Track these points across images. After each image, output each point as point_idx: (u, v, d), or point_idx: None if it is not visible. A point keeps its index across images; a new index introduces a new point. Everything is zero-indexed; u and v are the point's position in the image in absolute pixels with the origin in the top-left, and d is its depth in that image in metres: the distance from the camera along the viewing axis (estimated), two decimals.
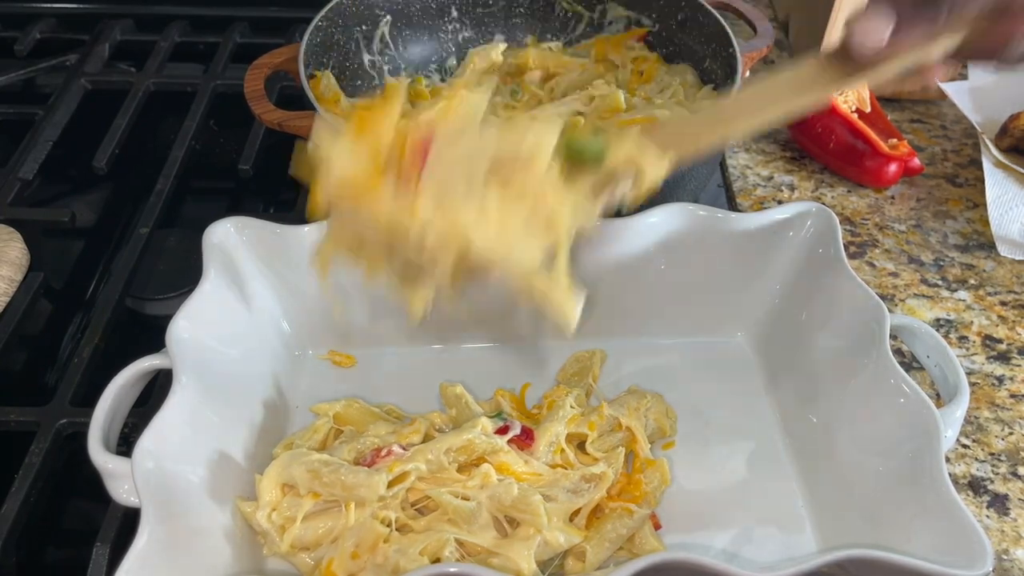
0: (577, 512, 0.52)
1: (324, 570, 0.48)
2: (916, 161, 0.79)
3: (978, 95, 0.84)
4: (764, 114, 0.50)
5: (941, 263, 0.74)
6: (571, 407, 0.56)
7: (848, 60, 0.48)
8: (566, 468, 0.53)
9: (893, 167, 0.78)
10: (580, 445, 0.56)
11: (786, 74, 0.51)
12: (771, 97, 0.50)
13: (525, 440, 0.54)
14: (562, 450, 0.54)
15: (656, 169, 0.47)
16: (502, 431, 0.54)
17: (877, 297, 0.55)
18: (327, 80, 0.75)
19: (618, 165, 0.47)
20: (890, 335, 0.54)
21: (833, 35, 0.86)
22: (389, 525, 0.49)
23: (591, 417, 0.56)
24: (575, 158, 0.46)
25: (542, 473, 0.52)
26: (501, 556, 0.48)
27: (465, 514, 0.49)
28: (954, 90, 0.84)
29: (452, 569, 0.43)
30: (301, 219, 0.55)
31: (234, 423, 0.54)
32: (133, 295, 0.69)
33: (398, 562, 0.47)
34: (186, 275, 0.67)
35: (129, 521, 0.51)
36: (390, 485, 0.50)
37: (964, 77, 0.86)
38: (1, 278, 0.65)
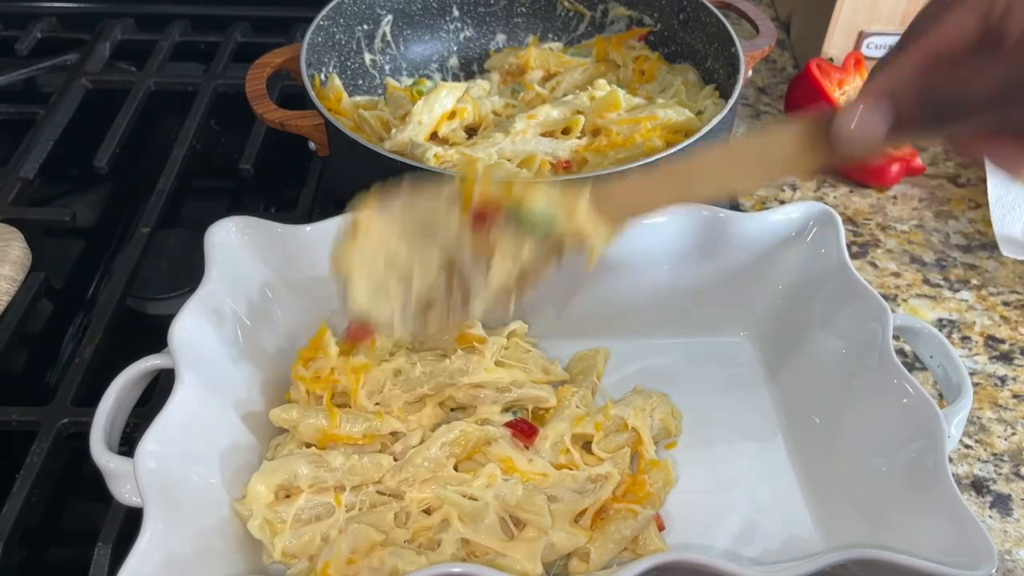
0: (582, 513, 0.52)
1: (319, 573, 0.47)
2: (918, 161, 0.79)
3: None
4: (728, 182, 0.47)
5: (943, 263, 0.74)
6: (576, 407, 0.56)
7: (830, 146, 0.43)
8: (571, 468, 0.53)
9: (895, 167, 0.78)
10: (585, 445, 0.56)
11: (760, 140, 0.47)
12: (738, 165, 0.46)
13: (528, 433, 0.53)
14: (567, 450, 0.54)
15: (603, 242, 0.46)
16: (512, 425, 0.54)
17: (880, 297, 0.55)
18: (329, 79, 0.75)
19: (566, 237, 0.45)
20: (893, 335, 0.54)
21: (834, 35, 0.87)
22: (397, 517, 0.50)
23: (597, 417, 0.56)
24: (523, 224, 0.45)
25: (547, 473, 0.52)
26: (507, 558, 0.48)
27: (472, 513, 0.49)
28: None
29: (456, 570, 0.43)
30: (302, 219, 0.55)
31: (236, 423, 0.53)
32: (134, 295, 0.69)
33: (395, 564, 0.47)
34: (187, 275, 0.67)
35: (131, 521, 0.51)
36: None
37: None
38: (2, 278, 0.65)
